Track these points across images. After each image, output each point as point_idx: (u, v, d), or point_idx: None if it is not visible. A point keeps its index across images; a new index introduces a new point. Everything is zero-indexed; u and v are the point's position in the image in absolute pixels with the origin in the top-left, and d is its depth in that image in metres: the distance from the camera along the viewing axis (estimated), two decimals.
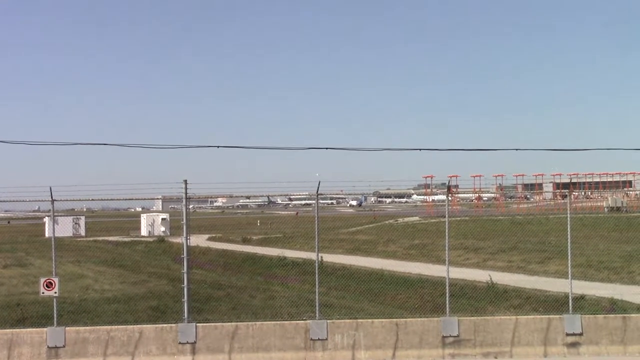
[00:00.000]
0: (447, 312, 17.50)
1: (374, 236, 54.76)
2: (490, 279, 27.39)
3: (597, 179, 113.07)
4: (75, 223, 76.55)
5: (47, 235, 65.66)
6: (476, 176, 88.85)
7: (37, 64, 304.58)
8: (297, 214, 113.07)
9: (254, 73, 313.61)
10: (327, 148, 19.67)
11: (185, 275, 17.59)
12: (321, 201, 23.62)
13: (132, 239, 68.10)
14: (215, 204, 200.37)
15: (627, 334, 17.24)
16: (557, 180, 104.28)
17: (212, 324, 17.45)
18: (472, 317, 17.76)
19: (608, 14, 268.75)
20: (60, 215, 78.37)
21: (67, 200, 19.70)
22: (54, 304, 16.99)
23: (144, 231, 75.25)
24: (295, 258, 39.89)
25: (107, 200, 19.19)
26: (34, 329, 16.96)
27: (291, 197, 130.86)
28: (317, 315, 17.40)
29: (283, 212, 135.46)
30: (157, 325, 17.29)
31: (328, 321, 17.16)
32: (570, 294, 17.99)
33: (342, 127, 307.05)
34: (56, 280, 17.06)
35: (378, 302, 27.32)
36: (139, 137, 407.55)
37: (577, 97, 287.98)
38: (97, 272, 34.91)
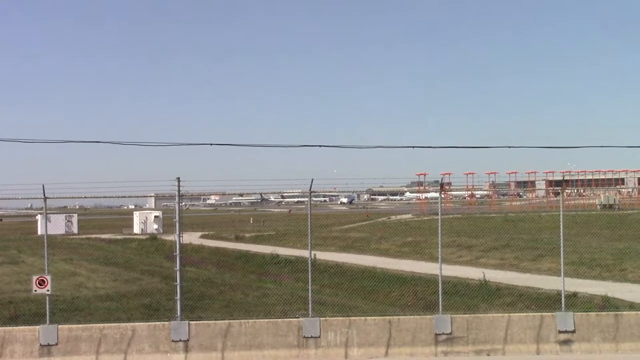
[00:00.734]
0: (440, 310, 17.52)
1: (366, 234, 54.82)
2: (483, 276, 27.40)
3: (589, 177, 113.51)
4: (68, 221, 76.41)
5: (39, 232, 65.64)
6: (469, 174, 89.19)
7: (37, 64, 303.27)
8: (289, 211, 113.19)
9: (250, 72, 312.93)
10: (320, 146, 19.72)
11: (178, 273, 17.56)
12: (314, 199, 23.66)
13: (124, 236, 67.97)
14: (208, 201, 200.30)
15: (619, 331, 17.29)
16: (550, 178, 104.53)
17: (205, 321, 17.44)
18: (465, 315, 17.78)
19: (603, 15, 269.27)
20: (53, 213, 78.30)
21: (59, 197, 19.66)
22: (47, 301, 16.95)
23: (136, 229, 75.08)
24: (288, 256, 39.85)
25: (100, 197, 19.17)
26: (26, 327, 16.91)
27: (284, 194, 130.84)
28: (310, 312, 17.38)
29: (276, 210, 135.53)
30: (149, 323, 17.29)
31: (321, 319, 17.16)
32: (562, 292, 18.02)
33: (343, 127, 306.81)
34: (48, 278, 17.01)
35: (371, 299, 27.31)
36: (134, 136, 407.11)
37: (571, 96, 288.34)
38: (90, 270, 34.90)
